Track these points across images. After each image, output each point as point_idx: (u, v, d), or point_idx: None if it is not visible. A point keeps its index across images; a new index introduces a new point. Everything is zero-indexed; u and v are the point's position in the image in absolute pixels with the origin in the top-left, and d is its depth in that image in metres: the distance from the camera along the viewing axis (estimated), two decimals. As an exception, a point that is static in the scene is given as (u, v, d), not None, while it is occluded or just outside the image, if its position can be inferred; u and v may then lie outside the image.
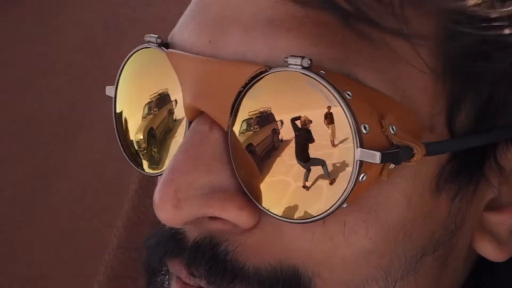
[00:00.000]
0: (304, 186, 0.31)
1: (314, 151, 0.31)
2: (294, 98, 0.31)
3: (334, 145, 0.30)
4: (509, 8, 0.31)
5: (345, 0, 0.29)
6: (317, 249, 0.32)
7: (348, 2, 0.29)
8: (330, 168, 0.30)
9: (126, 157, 0.38)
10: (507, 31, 0.31)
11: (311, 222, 0.31)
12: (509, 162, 0.35)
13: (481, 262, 0.39)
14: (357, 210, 0.32)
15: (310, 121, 0.30)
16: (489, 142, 0.34)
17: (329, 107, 0.30)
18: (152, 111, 0.37)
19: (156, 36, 0.35)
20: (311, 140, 0.31)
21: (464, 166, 0.34)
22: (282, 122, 0.31)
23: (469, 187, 0.35)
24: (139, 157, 0.38)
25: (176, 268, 0.34)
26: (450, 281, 0.37)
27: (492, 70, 0.32)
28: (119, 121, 0.39)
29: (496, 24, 0.31)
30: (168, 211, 0.31)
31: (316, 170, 0.31)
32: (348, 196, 0.29)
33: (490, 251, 0.36)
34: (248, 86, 0.31)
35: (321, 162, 0.31)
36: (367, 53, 0.31)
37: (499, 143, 0.35)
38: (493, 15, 0.31)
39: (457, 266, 0.37)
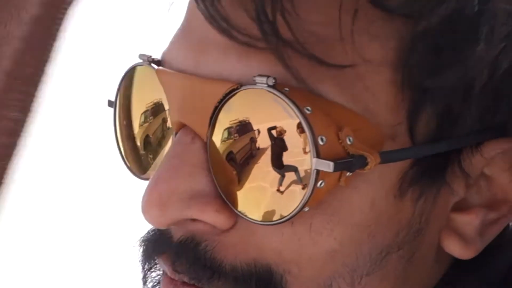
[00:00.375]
0: (278, 190, 0.34)
1: (287, 158, 0.34)
2: (263, 112, 0.34)
3: (305, 152, 0.33)
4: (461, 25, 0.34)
5: (291, 33, 0.32)
6: (287, 248, 0.36)
7: (293, 36, 0.32)
8: (302, 174, 0.34)
9: (125, 165, 0.42)
10: (458, 48, 0.34)
11: (275, 224, 0.34)
12: (473, 167, 0.38)
13: (457, 260, 0.41)
14: (322, 213, 0.35)
15: (285, 131, 0.34)
16: (450, 149, 0.37)
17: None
18: (148, 120, 0.41)
19: (149, 55, 0.39)
20: (285, 148, 0.34)
21: (426, 171, 0.37)
22: (258, 132, 0.35)
23: (432, 190, 0.37)
24: (138, 164, 0.42)
25: (164, 265, 0.38)
26: (418, 277, 0.40)
27: (447, 83, 0.35)
28: (120, 131, 0.43)
29: (448, 41, 0.34)
30: (153, 214, 0.35)
31: (290, 176, 0.34)
32: (307, 201, 0.33)
33: (456, 249, 0.39)
34: (223, 102, 0.35)
35: (293, 169, 0.34)
36: (330, 71, 0.34)
37: (463, 149, 0.38)
38: (446, 33, 0.34)
39: (426, 263, 0.40)
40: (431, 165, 0.37)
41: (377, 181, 0.36)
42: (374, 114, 0.35)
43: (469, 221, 0.39)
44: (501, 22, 0.36)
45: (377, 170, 0.35)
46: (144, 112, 0.41)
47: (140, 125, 0.41)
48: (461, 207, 0.39)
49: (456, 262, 0.42)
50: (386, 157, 0.34)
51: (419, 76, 0.35)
